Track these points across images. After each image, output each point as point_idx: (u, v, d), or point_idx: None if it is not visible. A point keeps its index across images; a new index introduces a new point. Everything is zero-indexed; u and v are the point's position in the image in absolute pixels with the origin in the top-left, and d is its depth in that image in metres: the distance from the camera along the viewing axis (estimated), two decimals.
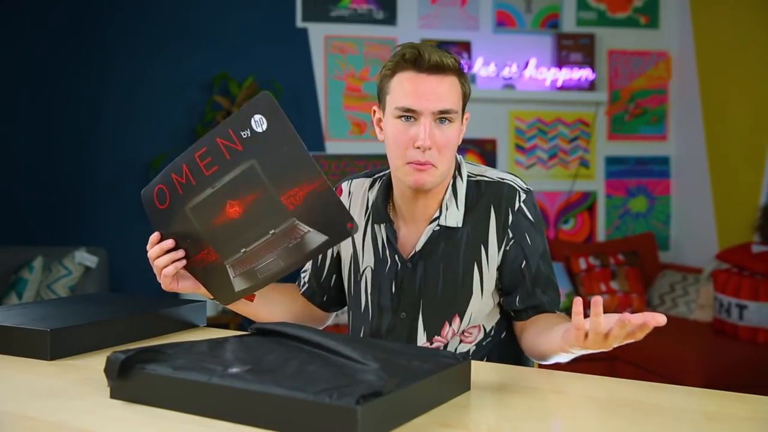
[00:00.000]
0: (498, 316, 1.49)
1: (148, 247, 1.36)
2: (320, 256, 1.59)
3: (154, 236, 1.35)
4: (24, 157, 4.28)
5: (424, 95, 1.32)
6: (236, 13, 4.44)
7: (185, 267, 1.36)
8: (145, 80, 4.36)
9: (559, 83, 4.64)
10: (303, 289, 1.62)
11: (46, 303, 1.59)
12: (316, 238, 1.23)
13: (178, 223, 1.32)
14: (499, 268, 1.44)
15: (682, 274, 4.29)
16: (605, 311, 1.40)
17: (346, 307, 1.61)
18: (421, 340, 1.44)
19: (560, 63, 4.64)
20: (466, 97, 1.39)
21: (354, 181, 1.57)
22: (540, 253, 1.43)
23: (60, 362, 1.26)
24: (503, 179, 1.44)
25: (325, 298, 1.61)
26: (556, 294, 1.46)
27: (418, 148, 1.33)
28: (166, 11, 4.38)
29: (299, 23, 4.49)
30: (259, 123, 1.21)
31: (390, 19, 4.58)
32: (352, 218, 1.21)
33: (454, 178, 1.45)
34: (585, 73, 4.65)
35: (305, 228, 1.22)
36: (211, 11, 4.43)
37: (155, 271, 1.36)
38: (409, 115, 1.34)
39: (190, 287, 1.38)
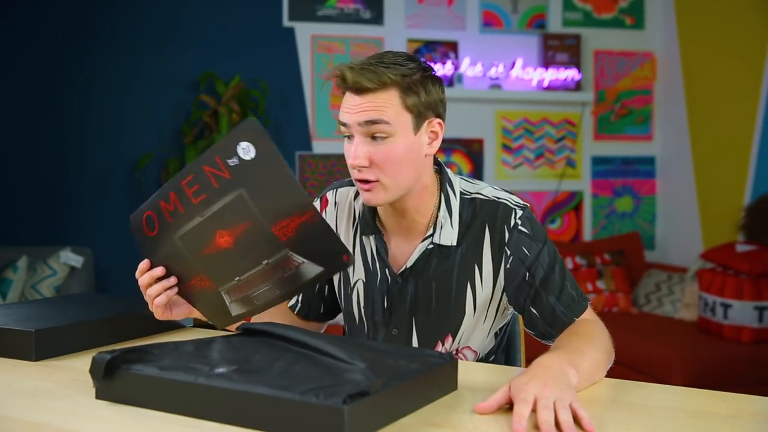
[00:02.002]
0: (493, 344, 1.48)
1: (137, 274, 1.31)
2: None
3: (144, 264, 1.30)
4: (8, 155, 4.25)
5: (349, 109, 1.31)
6: (223, 12, 4.43)
7: (178, 292, 1.32)
8: (131, 79, 4.34)
9: (546, 83, 4.66)
10: (297, 309, 1.58)
11: (30, 303, 1.58)
12: (311, 269, 1.19)
13: (168, 251, 1.27)
14: (505, 289, 1.40)
15: (668, 273, 4.31)
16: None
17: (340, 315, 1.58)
18: None
19: (546, 63, 4.66)
20: (419, 107, 1.31)
21: (339, 190, 1.54)
22: (546, 263, 1.36)
23: (45, 363, 1.25)
24: (498, 198, 1.40)
25: (322, 309, 1.58)
26: (572, 299, 1.36)
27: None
28: (153, 11, 4.36)
29: (286, 23, 4.49)
30: (246, 150, 1.14)
31: (377, 18, 4.58)
32: (347, 250, 1.18)
33: (447, 194, 1.41)
34: (571, 74, 4.67)
35: (299, 259, 1.18)
36: (198, 11, 4.41)
37: (147, 300, 1.32)
38: (347, 133, 1.33)
39: (184, 313, 1.35)
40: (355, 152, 1.29)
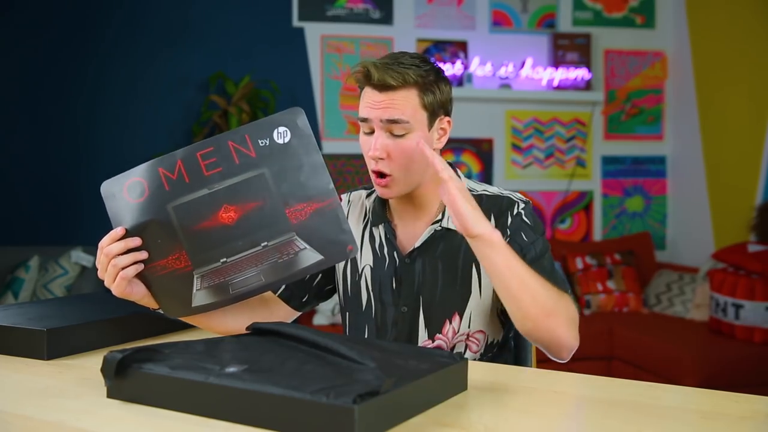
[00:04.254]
0: (502, 332, 1.52)
1: (104, 241, 1.24)
2: None
3: (119, 231, 1.24)
4: (20, 156, 4.27)
5: (372, 105, 1.38)
6: (233, 12, 4.44)
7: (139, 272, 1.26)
8: (141, 80, 4.36)
9: (556, 83, 4.65)
10: (280, 291, 1.57)
11: (42, 303, 1.59)
12: (310, 256, 1.20)
13: (152, 221, 1.23)
14: None
15: (679, 273, 4.29)
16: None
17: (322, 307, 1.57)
18: (423, 336, 1.46)
19: (556, 63, 4.65)
20: (434, 106, 1.41)
21: (353, 192, 1.64)
22: (539, 248, 1.45)
23: (57, 362, 1.26)
24: (502, 194, 1.50)
25: (305, 298, 1.59)
26: (562, 283, 1.41)
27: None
28: (163, 11, 4.38)
29: (296, 23, 4.49)
30: (282, 135, 1.20)
31: (386, 18, 4.58)
32: (353, 241, 1.21)
33: None
34: (581, 73, 4.65)
35: (302, 245, 1.20)
36: (208, 11, 4.42)
37: (108, 269, 1.24)
38: (367, 129, 1.41)
39: (141, 293, 1.27)
40: (375, 144, 1.38)
